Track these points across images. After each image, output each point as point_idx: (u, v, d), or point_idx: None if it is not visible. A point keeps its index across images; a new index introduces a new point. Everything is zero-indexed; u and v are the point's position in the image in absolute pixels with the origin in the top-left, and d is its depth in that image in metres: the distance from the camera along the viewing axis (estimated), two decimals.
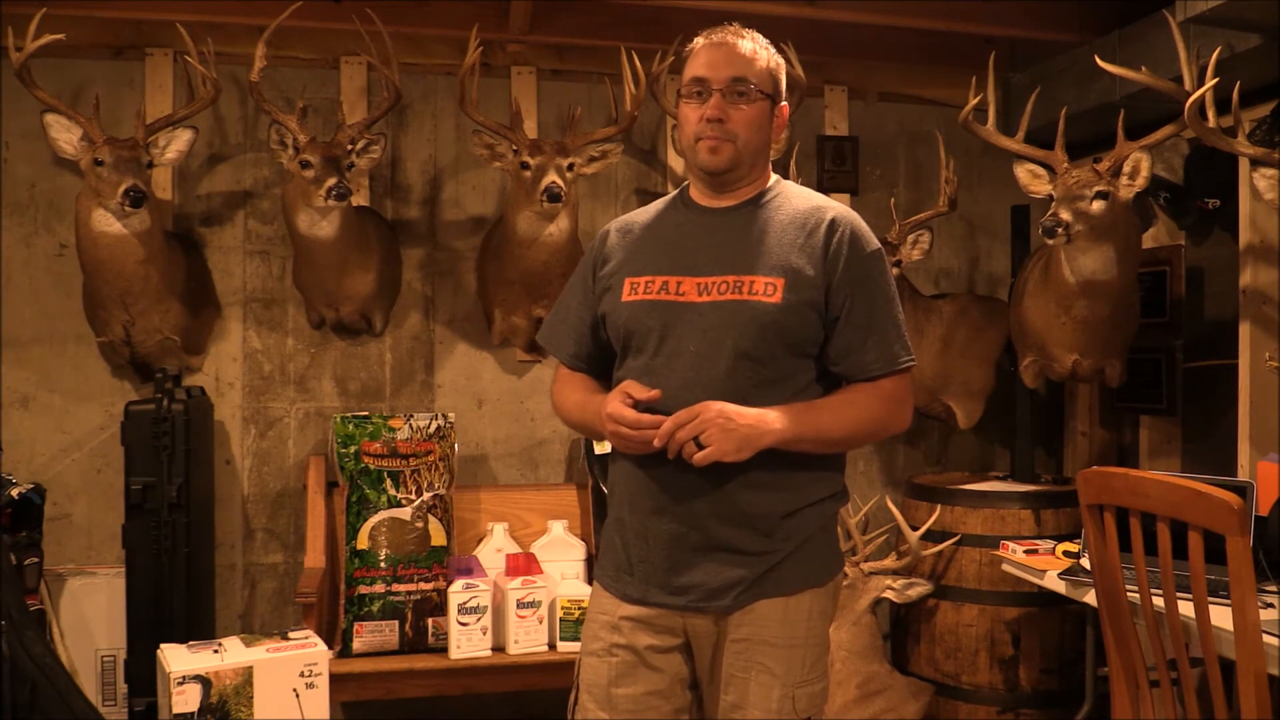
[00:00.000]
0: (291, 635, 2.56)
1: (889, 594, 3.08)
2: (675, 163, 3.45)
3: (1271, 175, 2.54)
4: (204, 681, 2.37)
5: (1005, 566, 2.80)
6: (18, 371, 3.08)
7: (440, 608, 2.79)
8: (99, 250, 2.74)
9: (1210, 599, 1.86)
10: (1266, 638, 1.85)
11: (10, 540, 2.64)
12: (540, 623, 2.80)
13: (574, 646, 2.65)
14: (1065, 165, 2.76)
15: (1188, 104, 2.46)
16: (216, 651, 2.45)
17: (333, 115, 3.13)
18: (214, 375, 3.21)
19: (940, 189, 3.22)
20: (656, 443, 1.56)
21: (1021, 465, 3.40)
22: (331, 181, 2.74)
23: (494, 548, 3.08)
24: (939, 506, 3.13)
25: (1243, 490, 2.24)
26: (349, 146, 2.88)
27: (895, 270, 3.17)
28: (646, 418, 1.57)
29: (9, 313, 3.07)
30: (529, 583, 2.81)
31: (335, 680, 2.56)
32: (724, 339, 1.61)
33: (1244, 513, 1.78)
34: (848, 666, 3.03)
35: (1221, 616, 1.89)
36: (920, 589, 3.07)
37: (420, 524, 2.84)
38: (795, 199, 1.72)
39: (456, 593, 2.74)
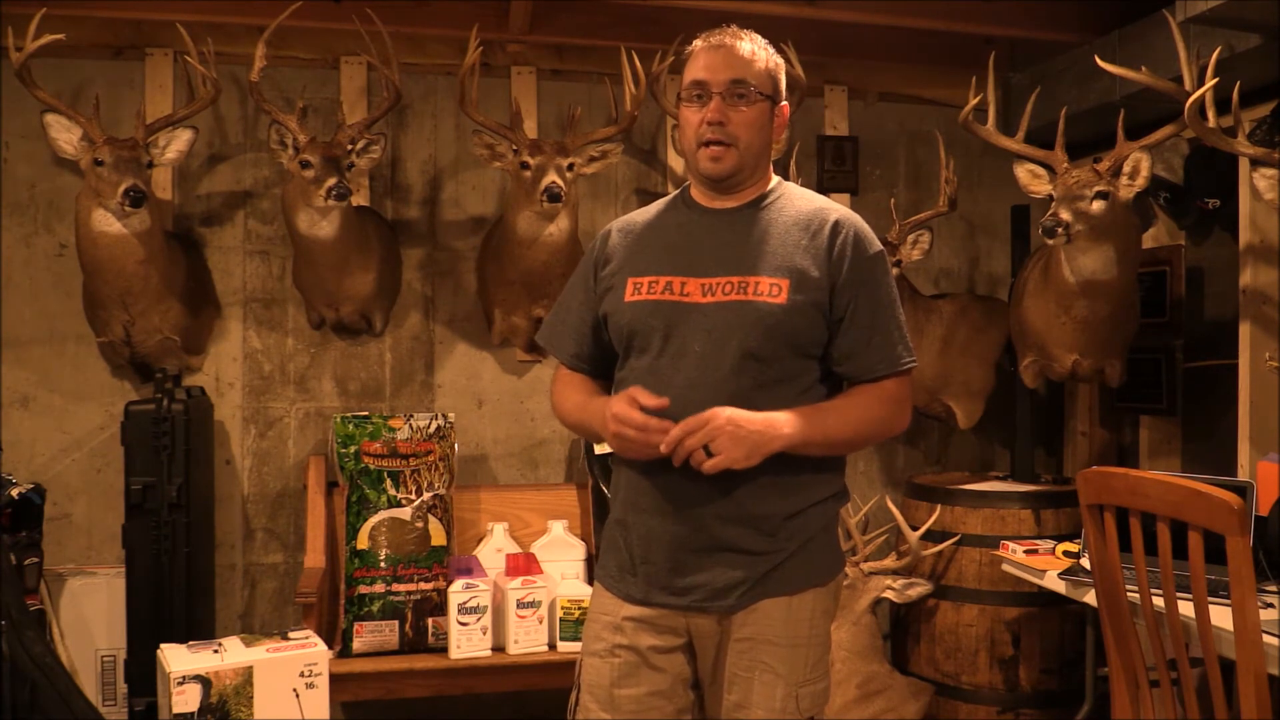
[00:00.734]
0: (291, 635, 2.56)
1: (889, 594, 3.08)
2: (675, 163, 3.45)
3: (1271, 175, 2.54)
4: (204, 681, 2.37)
5: (1005, 566, 2.80)
6: (18, 371, 3.08)
7: (440, 608, 2.79)
8: (99, 250, 2.74)
9: (1210, 599, 1.86)
10: (1266, 638, 1.85)
11: (10, 540, 2.64)
12: (540, 623, 2.80)
13: (574, 646, 2.65)
14: (1065, 165, 2.76)
15: (1188, 104, 2.46)
16: (216, 651, 2.45)
17: (333, 115, 3.13)
18: (214, 375, 3.21)
19: (940, 189, 3.22)
20: (664, 449, 1.56)
21: (1021, 465, 3.40)
22: (331, 181, 2.74)
23: (494, 548, 3.08)
24: (939, 506, 3.13)
25: (1243, 490, 2.24)
26: (349, 146, 2.88)
27: (895, 270, 3.17)
28: (654, 421, 1.57)
29: (9, 313, 3.07)
30: (529, 583, 2.81)
31: (335, 680, 2.56)
32: (729, 339, 1.61)
33: (1244, 513, 1.78)
34: (848, 666, 3.03)
35: (1221, 616, 1.89)
36: (920, 589, 3.07)
37: (420, 524, 2.84)
38: (798, 200, 1.73)
39: (456, 593, 2.74)
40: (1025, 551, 2.75)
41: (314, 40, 3.21)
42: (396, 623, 2.78)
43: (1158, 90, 2.60)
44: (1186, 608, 1.92)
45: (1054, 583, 2.53)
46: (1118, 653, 2.12)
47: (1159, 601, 1.98)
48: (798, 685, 1.63)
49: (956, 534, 3.09)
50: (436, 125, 3.36)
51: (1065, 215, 2.67)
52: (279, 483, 3.24)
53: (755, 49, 1.69)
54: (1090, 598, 2.30)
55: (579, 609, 2.76)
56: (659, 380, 1.64)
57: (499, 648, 2.80)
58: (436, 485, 2.88)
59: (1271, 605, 2.05)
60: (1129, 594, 2.09)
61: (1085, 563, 2.47)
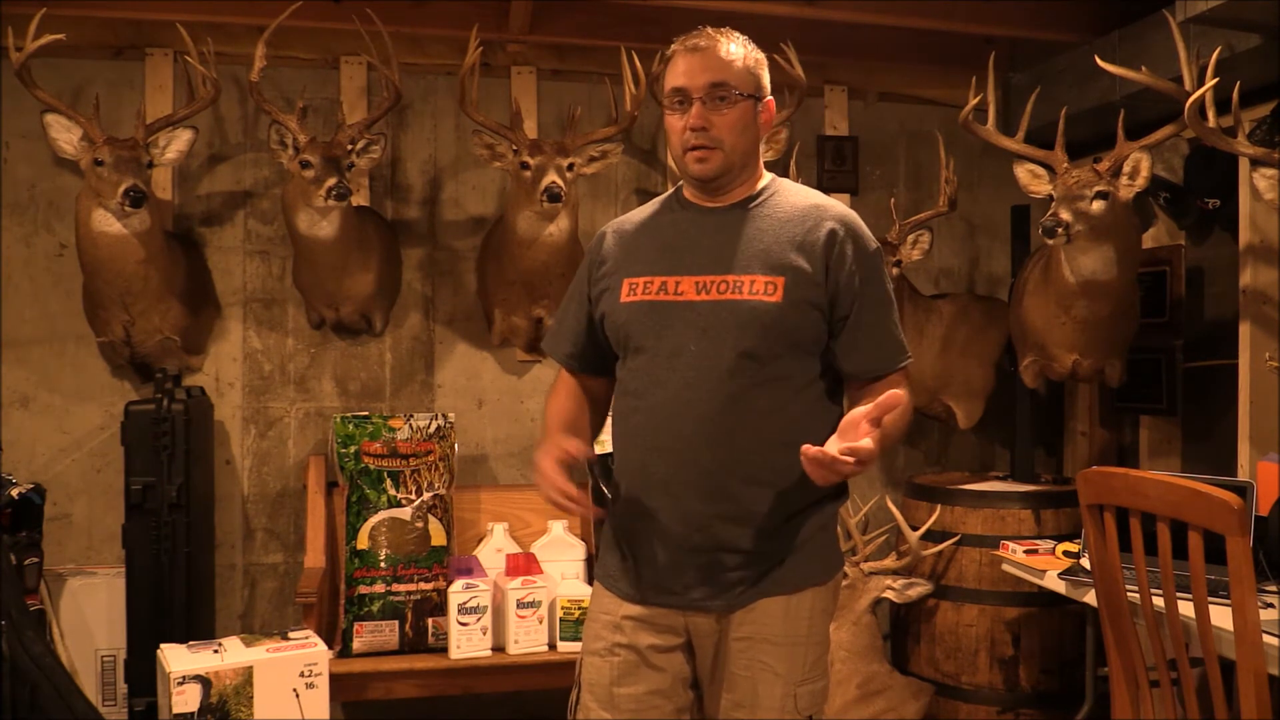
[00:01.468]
0: (291, 635, 2.56)
1: (889, 594, 3.08)
2: (675, 163, 3.45)
3: (1271, 175, 2.54)
4: (204, 681, 2.37)
5: (1005, 566, 2.80)
6: (18, 371, 3.08)
7: (440, 608, 2.79)
8: (99, 250, 2.74)
9: (1210, 599, 1.86)
10: (1266, 638, 1.85)
11: (10, 540, 2.63)
12: (540, 623, 2.80)
13: (574, 646, 2.65)
14: (1065, 165, 2.76)
15: (1188, 104, 2.46)
16: (216, 651, 2.45)
17: (333, 115, 3.13)
18: (214, 375, 3.21)
19: (940, 189, 3.22)
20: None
21: (1021, 465, 3.40)
22: (331, 181, 2.74)
23: (494, 548, 3.08)
24: (939, 506, 3.13)
25: (1243, 490, 2.24)
26: (349, 146, 2.88)
27: (895, 270, 3.17)
28: (560, 485, 1.60)
29: (9, 313, 3.07)
30: (529, 583, 2.81)
31: (335, 680, 2.56)
32: (725, 338, 1.61)
33: (1244, 513, 1.78)
34: (848, 666, 3.03)
35: (1221, 616, 1.89)
36: (920, 589, 3.07)
37: (420, 524, 2.84)
38: (793, 197, 1.72)
39: (456, 593, 2.74)
40: (1025, 551, 2.75)
41: (314, 40, 3.21)
42: (396, 623, 2.78)
43: (1158, 90, 2.60)
44: (1186, 608, 1.92)
45: (1054, 583, 2.53)
46: (1118, 653, 2.12)
47: (1159, 601, 1.98)
48: (796, 684, 1.63)
49: (956, 534, 3.09)
50: (436, 125, 3.36)
51: (1065, 215, 2.67)
52: (279, 483, 3.24)
53: (733, 48, 1.67)
54: (1090, 598, 2.30)
55: (579, 609, 2.76)
56: (655, 380, 1.64)
57: (499, 648, 2.80)
58: (436, 485, 2.88)
59: (1271, 605, 2.05)
60: (1129, 594, 2.09)
61: (1085, 563, 2.47)
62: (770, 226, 1.67)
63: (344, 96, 3.23)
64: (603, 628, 1.71)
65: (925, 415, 3.55)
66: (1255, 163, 2.57)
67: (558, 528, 3.13)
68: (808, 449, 1.43)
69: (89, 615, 3.00)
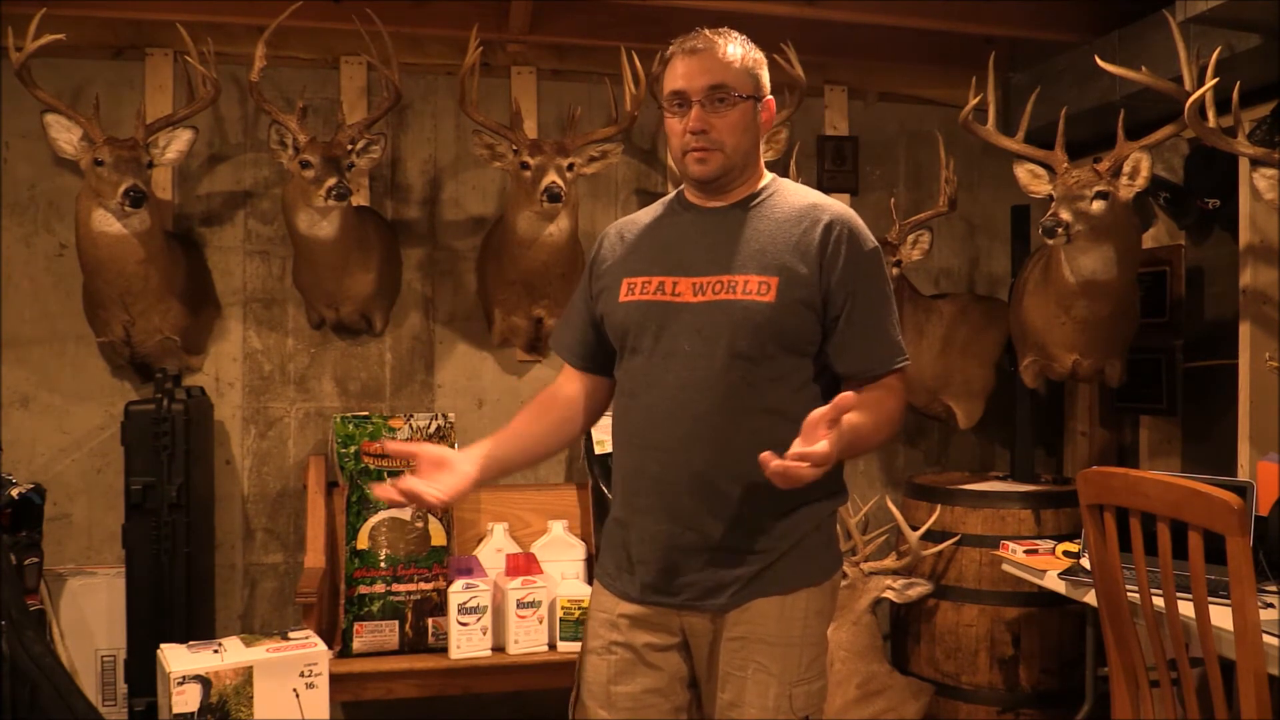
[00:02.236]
0: (291, 635, 2.56)
1: (889, 594, 3.08)
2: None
3: (1271, 175, 2.54)
4: (204, 681, 2.37)
5: (1005, 566, 2.80)
6: (18, 371, 3.08)
7: (440, 608, 2.79)
8: (99, 250, 2.74)
9: (1210, 599, 1.86)
10: (1266, 638, 1.84)
11: (10, 540, 2.63)
12: (540, 623, 2.80)
13: (574, 646, 2.65)
14: (1065, 165, 2.76)
15: (1188, 104, 2.46)
16: (216, 651, 2.45)
17: (333, 115, 3.13)
18: (214, 375, 3.21)
19: (940, 189, 3.22)
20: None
21: (1021, 465, 3.40)
22: (331, 181, 2.74)
23: (494, 548, 3.08)
24: (939, 506, 3.13)
25: (1243, 490, 2.24)
26: (349, 146, 2.88)
27: (895, 270, 3.17)
28: (403, 484, 1.56)
29: (9, 313, 3.07)
30: (529, 583, 2.81)
31: (335, 680, 2.56)
32: (718, 338, 1.61)
33: (1244, 513, 1.78)
34: (848, 666, 3.03)
35: (1221, 616, 1.88)
36: (920, 589, 3.07)
37: (420, 524, 2.84)
38: (791, 196, 1.72)
39: (456, 593, 2.74)
40: (1025, 551, 2.75)
41: (314, 40, 3.21)
42: (396, 623, 2.78)
43: (1158, 90, 2.60)
44: (1186, 608, 1.92)
45: (1054, 583, 2.53)
46: (1118, 653, 2.12)
47: (1159, 601, 1.98)
48: (791, 684, 1.63)
49: (956, 534, 3.09)
50: (436, 125, 3.36)
51: (1065, 215, 2.67)
52: (279, 483, 3.24)
53: (731, 49, 1.67)
54: (1090, 598, 2.30)
55: (579, 609, 2.76)
56: (650, 380, 1.64)
57: (499, 648, 2.80)
58: None
59: (1271, 605, 2.05)
60: (1129, 594, 2.09)
61: (1085, 563, 2.47)
62: (768, 227, 1.67)
63: (344, 96, 3.23)
64: (600, 626, 1.71)
65: (925, 415, 3.55)
66: (1255, 163, 2.57)
67: (558, 528, 3.13)
68: (765, 458, 1.41)
69: (89, 615, 3.00)
